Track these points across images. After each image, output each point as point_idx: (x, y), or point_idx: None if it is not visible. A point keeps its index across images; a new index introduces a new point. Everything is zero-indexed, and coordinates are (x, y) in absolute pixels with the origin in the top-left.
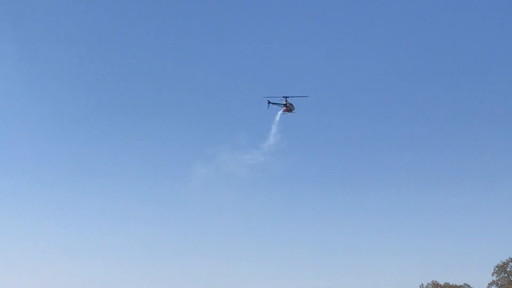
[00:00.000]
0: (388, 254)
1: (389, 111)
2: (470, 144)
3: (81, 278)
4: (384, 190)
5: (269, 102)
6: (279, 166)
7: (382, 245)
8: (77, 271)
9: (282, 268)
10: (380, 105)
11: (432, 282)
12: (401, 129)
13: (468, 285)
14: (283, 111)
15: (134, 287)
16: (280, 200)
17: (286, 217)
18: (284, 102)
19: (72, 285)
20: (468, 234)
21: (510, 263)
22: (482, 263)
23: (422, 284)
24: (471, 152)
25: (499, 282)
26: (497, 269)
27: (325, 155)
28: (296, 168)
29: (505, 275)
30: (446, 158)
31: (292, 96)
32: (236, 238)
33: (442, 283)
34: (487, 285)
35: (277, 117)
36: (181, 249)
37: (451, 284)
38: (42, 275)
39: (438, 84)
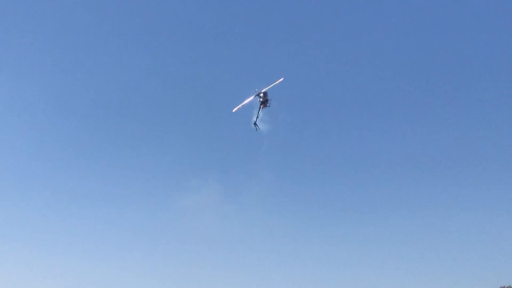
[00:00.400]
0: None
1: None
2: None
3: None
4: (377, 219)
5: (255, 124)
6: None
7: (374, 278)
8: None
9: None
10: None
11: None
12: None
13: None
14: (262, 108)
15: None
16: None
17: (277, 248)
18: (259, 100)
19: None
20: (468, 258)
21: None
22: None
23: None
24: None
25: None
26: None
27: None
28: (285, 195)
29: None
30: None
31: (266, 88)
32: (221, 270)
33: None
34: None
35: (257, 116)
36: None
37: None
38: None
39: (437, 85)
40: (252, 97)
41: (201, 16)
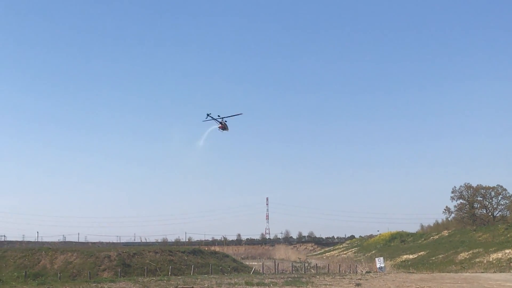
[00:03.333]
0: (421, 158)
1: None
2: None
3: None
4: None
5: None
6: None
7: (415, 148)
8: None
9: None
10: None
11: (465, 184)
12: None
13: (501, 186)
14: (220, 128)
15: None
16: None
17: None
18: (220, 121)
19: None
20: (502, 134)
21: None
22: None
23: (455, 187)
24: None
25: None
26: None
27: None
28: None
29: None
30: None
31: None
32: None
33: (475, 185)
34: None
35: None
36: None
37: (484, 185)
38: None
39: None
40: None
41: None
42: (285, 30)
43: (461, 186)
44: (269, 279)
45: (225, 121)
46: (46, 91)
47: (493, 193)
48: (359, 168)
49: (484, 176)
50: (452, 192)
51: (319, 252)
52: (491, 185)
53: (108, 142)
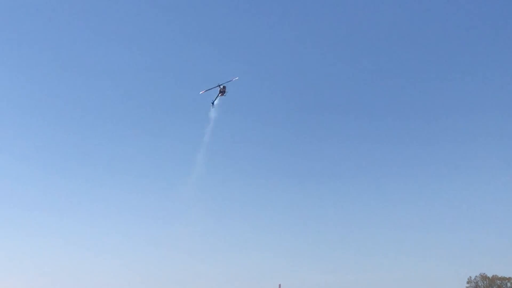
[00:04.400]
0: (436, 246)
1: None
2: None
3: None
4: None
5: (212, 103)
6: None
7: (429, 236)
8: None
9: None
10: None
11: (480, 274)
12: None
13: None
14: (220, 95)
15: None
16: None
17: None
18: (219, 88)
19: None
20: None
21: None
22: None
23: (471, 277)
24: None
25: None
26: None
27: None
28: None
29: None
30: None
31: (225, 82)
32: None
33: (490, 275)
34: None
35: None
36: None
37: (499, 276)
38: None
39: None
40: (216, 87)
41: None
42: None
43: (476, 276)
44: None
45: (223, 86)
46: (44, 159)
47: (509, 284)
48: (374, 255)
49: (500, 266)
50: (468, 283)
51: None
52: (507, 276)
53: (110, 223)
